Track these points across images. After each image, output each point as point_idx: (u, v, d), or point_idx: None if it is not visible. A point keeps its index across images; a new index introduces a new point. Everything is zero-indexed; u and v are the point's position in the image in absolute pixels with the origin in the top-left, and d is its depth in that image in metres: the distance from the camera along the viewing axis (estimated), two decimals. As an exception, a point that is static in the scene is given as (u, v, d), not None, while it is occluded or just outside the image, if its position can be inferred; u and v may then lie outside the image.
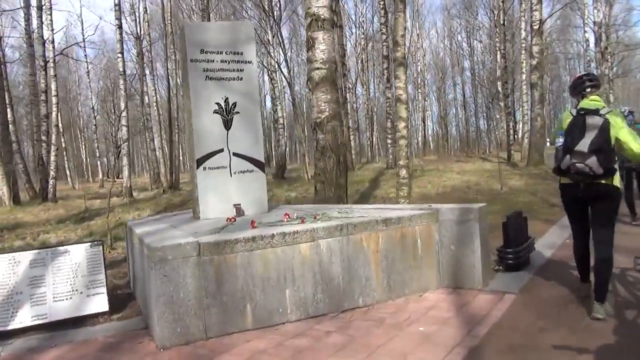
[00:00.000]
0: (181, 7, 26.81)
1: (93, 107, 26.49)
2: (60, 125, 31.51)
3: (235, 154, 4.69)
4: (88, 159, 43.69)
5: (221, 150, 4.63)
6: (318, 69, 6.11)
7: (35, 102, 17.01)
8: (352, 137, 24.48)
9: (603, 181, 3.28)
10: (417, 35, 36.49)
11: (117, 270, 5.51)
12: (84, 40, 26.45)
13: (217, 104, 4.62)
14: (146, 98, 23.23)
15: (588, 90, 3.52)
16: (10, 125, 16.54)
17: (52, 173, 16.21)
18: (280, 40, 20.49)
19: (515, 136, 25.56)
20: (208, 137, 4.58)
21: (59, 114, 18.91)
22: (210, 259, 3.31)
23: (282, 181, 18.79)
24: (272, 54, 22.27)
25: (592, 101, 3.46)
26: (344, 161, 6.27)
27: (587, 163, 3.21)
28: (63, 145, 35.25)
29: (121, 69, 17.61)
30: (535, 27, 16.73)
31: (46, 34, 17.32)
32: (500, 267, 4.54)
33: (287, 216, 4.15)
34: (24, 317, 3.63)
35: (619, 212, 3.65)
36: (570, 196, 3.52)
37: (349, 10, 37.24)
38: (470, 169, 17.64)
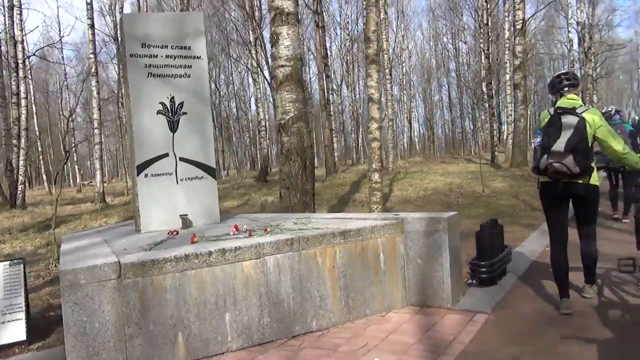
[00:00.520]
0: (162, 8, 26.24)
1: (70, 110, 25.74)
2: (36, 129, 30.81)
3: (182, 159, 4.24)
4: (68, 164, 42.72)
5: (166, 155, 4.18)
6: (282, 66, 5.68)
7: (4, 105, 16.32)
8: (335, 139, 24.02)
9: (581, 180, 3.30)
10: (402, 36, 36.21)
11: (58, 287, 5.01)
12: (60, 41, 25.69)
13: (162, 103, 4.17)
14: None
15: (566, 89, 3.48)
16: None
17: (21, 178, 15.56)
18: (261, 41, 20.05)
19: (501, 137, 25.34)
20: (150, 140, 4.13)
21: (32, 118, 18.24)
22: (133, 282, 2.86)
23: (264, 185, 18.32)
24: (254, 55, 21.80)
25: (569, 100, 3.43)
26: (310, 165, 5.84)
27: (564, 162, 3.21)
28: (39, 149, 34.41)
29: (94, 70, 17.00)
30: (518, 27, 16.50)
31: (18, 34, 16.68)
32: (474, 281, 4.14)
33: (235, 229, 3.71)
34: None
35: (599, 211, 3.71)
36: (549, 195, 3.52)
37: (333, 12, 36.91)
38: (454, 171, 17.34)
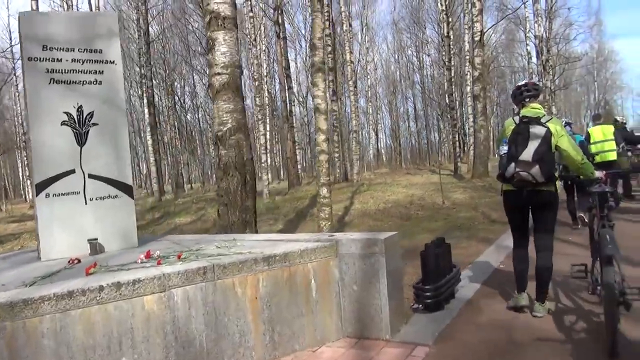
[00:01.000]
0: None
1: (22, 123, 24.49)
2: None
3: (91, 176, 3.74)
4: (25, 179, 40.88)
5: (72, 172, 3.67)
6: (219, 74, 5.27)
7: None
8: (299, 151, 23.65)
9: (545, 188, 3.38)
10: (367, 48, 36.37)
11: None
12: (11, 49, 24.46)
13: (67, 113, 3.68)
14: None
15: (527, 100, 3.57)
16: None
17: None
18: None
19: (465, 148, 25.51)
20: (53, 155, 3.62)
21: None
22: (0, 327, 2.36)
23: (224, 199, 17.74)
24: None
25: (533, 109, 3.51)
26: (251, 180, 5.41)
27: (531, 172, 3.28)
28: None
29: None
30: (477, 39, 16.62)
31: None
32: (420, 306, 3.79)
33: (146, 255, 3.24)
34: None
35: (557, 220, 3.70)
36: (513, 203, 3.58)
37: (298, 24, 36.84)
38: (417, 182, 17.21)
